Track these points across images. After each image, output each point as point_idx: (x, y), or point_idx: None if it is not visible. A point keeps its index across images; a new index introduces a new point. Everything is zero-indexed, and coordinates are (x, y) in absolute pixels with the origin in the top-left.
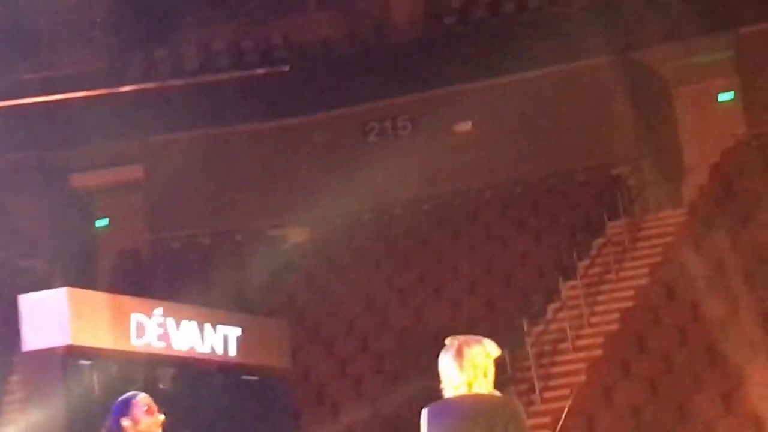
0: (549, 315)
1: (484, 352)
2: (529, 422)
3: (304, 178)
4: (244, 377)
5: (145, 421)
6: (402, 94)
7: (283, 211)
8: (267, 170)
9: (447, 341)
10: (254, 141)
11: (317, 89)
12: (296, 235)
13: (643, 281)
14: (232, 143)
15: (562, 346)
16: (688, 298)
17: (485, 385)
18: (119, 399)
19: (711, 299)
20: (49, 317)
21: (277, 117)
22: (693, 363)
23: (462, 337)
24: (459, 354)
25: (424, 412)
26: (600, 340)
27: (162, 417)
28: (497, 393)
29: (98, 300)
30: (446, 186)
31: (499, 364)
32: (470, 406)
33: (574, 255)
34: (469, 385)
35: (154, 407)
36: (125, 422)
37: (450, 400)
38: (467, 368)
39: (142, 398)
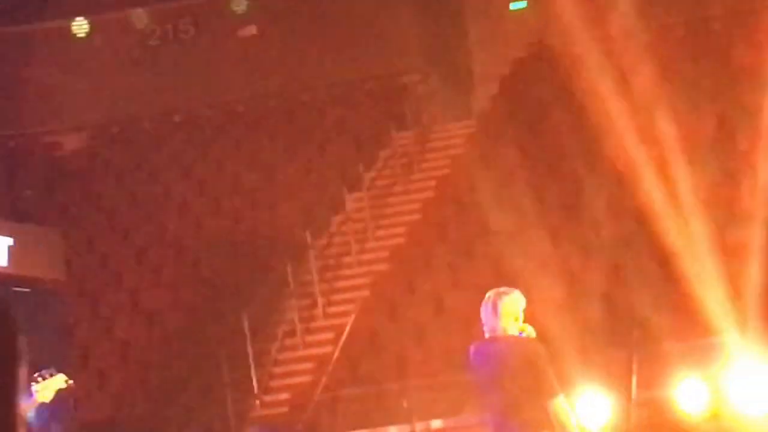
0: (333, 227)
1: (514, 301)
2: (312, 338)
3: (82, 83)
4: (15, 288)
5: None
6: None
7: (59, 117)
8: (43, 74)
9: (487, 294)
10: (28, 43)
11: None
12: (72, 142)
13: (431, 194)
14: (4, 45)
15: (347, 260)
16: (475, 211)
17: (516, 327)
18: None
19: (498, 213)
20: None
21: (54, 18)
22: (479, 278)
23: (497, 290)
24: (494, 306)
25: (471, 348)
26: (385, 254)
27: None
28: (530, 331)
29: None
30: (229, 93)
31: (281, 278)
32: (505, 346)
33: (360, 166)
34: (504, 329)
35: None
36: None
37: (490, 339)
38: (501, 316)
39: None
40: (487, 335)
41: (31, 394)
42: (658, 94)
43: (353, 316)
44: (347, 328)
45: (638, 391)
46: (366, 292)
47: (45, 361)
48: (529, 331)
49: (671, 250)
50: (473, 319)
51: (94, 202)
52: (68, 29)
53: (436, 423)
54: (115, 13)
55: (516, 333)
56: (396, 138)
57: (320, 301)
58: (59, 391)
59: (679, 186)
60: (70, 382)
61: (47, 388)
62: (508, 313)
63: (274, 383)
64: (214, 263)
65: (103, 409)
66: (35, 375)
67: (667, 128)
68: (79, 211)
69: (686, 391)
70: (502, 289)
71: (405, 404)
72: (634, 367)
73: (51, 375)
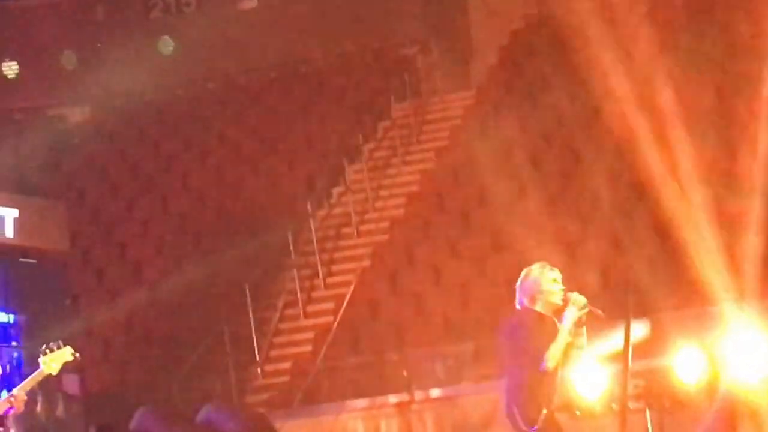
0: (334, 198)
1: (541, 276)
2: (313, 307)
3: (85, 55)
4: (22, 259)
5: None
6: None
7: (64, 90)
8: (46, 47)
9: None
10: (31, 16)
11: None
12: (76, 115)
13: (430, 165)
14: (8, 18)
15: (347, 230)
16: (474, 182)
17: (541, 302)
18: None
19: (497, 183)
20: None
21: None
22: (478, 248)
23: (532, 266)
24: (520, 279)
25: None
26: (385, 224)
27: None
28: (575, 298)
29: None
30: (230, 65)
31: (282, 248)
32: (509, 320)
33: (360, 138)
34: (531, 301)
35: None
36: None
37: (508, 315)
38: (519, 288)
39: None
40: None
41: (38, 366)
42: (658, 65)
43: (353, 286)
44: (347, 298)
45: (635, 360)
46: (366, 262)
47: (50, 331)
48: (575, 298)
49: (669, 219)
50: (471, 289)
51: (98, 174)
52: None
53: (435, 392)
54: None
55: (540, 307)
56: (395, 109)
57: (321, 271)
58: (66, 364)
59: (678, 156)
60: (77, 355)
61: (54, 360)
62: (523, 291)
63: (275, 353)
64: (216, 234)
65: (107, 378)
66: (42, 347)
67: (666, 98)
68: (84, 183)
69: (683, 360)
70: (540, 263)
71: (404, 373)
72: (631, 336)
73: (58, 347)
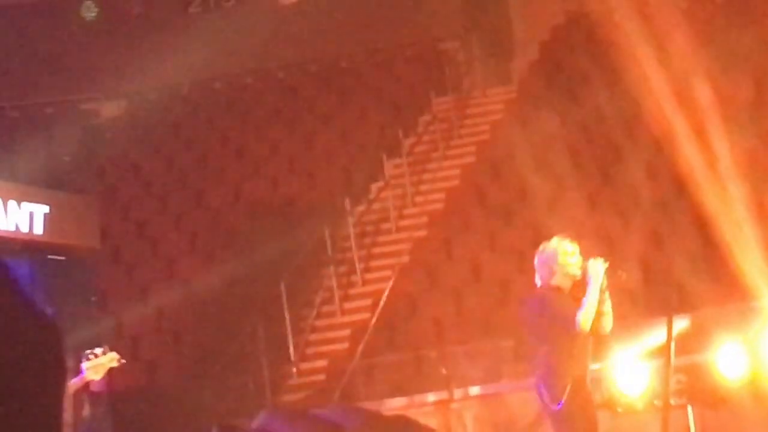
0: (372, 194)
1: (558, 249)
2: (350, 304)
3: (120, 50)
4: (51, 257)
5: None
6: None
7: (97, 84)
8: (81, 41)
9: None
10: (67, 9)
11: None
12: (110, 110)
13: (470, 160)
14: (44, 10)
15: (385, 226)
16: (514, 177)
17: (560, 275)
18: None
19: (537, 179)
20: None
21: None
22: (518, 243)
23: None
24: (540, 253)
25: None
26: (424, 220)
27: None
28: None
29: None
30: (269, 60)
31: (319, 244)
32: (525, 300)
33: (399, 132)
34: (550, 274)
35: None
36: None
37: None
38: (536, 268)
39: None
40: None
41: (81, 372)
42: (696, 59)
43: (391, 283)
44: (385, 295)
45: (677, 356)
46: (404, 258)
47: (77, 330)
48: (594, 263)
49: (709, 214)
50: (511, 284)
51: (131, 170)
52: None
53: (475, 390)
54: None
55: (558, 281)
56: (435, 104)
57: (358, 267)
58: (110, 370)
59: (717, 150)
60: (123, 361)
61: (98, 366)
62: (540, 265)
63: (311, 350)
64: (251, 230)
65: (137, 377)
66: (86, 352)
67: (704, 93)
68: (116, 178)
69: (725, 356)
70: (543, 245)
71: (443, 371)
72: (673, 332)
73: (103, 353)
